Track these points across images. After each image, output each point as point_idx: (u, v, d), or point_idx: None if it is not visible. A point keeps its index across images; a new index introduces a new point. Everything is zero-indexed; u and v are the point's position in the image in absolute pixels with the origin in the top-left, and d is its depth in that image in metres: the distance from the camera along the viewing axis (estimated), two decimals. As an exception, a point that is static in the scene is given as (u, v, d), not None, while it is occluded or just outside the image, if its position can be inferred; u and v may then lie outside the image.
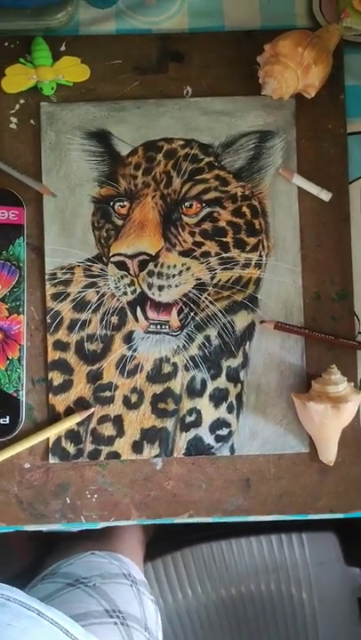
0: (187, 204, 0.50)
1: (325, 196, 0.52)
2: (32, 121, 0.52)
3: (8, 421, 0.50)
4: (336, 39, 0.50)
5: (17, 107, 0.52)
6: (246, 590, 0.89)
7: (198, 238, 0.50)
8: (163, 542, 0.86)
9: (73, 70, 0.51)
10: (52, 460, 0.50)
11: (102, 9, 0.53)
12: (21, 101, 0.52)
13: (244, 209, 0.51)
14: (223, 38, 0.52)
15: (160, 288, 0.50)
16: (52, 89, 0.50)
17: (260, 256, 0.51)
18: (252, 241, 0.51)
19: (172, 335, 0.50)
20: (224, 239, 0.51)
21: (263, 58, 0.49)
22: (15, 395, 0.50)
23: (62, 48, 0.52)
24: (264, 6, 0.53)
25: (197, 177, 0.50)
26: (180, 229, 0.50)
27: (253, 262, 0.51)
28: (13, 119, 0.52)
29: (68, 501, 0.51)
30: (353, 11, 0.50)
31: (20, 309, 0.51)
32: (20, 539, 0.77)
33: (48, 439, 0.50)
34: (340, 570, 0.91)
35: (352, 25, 0.50)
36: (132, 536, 0.74)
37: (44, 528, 0.52)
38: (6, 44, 0.51)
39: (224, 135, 0.51)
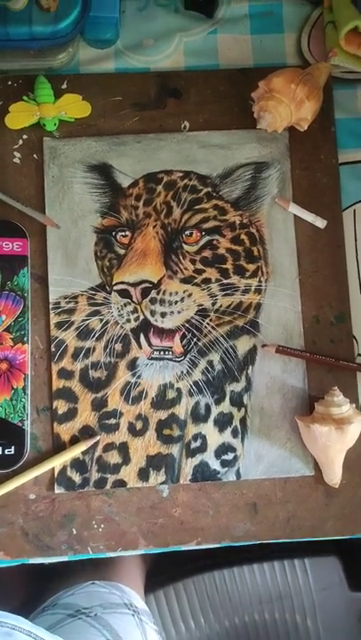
0: (187, 232, 0.51)
1: (321, 223, 0.54)
2: (35, 155, 0.53)
3: (13, 452, 0.50)
4: (325, 76, 0.52)
5: (20, 142, 0.53)
6: (250, 620, 0.87)
7: (199, 265, 0.51)
8: (163, 573, 0.85)
9: (74, 107, 0.53)
10: (58, 489, 0.49)
11: (102, 49, 0.55)
12: (25, 137, 0.53)
13: (243, 236, 0.52)
14: (218, 76, 0.55)
15: (163, 315, 0.50)
16: (55, 125, 0.52)
17: (260, 282, 0.52)
18: (251, 267, 0.52)
19: (175, 361, 0.50)
20: (224, 266, 0.52)
21: (258, 94, 0.52)
22: (20, 424, 0.50)
23: (64, 86, 0.54)
24: (256, 46, 0.56)
25: (197, 207, 0.52)
26: (180, 257, 0.51)
27: (253, 288, 0.52)
28: (17, 154, 0.53)
29: (75, 532, 0.50)
30: (340, 50, 0.53)
31: (25, 339, 0.51)
32: (16, 570, 0.75)
33: (53, 469, 0.49)
34: (343, 595, 0.89)
35: (340, 63, 0.53)
36: (132, 565, 0.73)
37: (50, 560, 0.51)
38: (10, 82, 0.53)
39: (221, 167, 0.52)
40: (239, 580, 0.86)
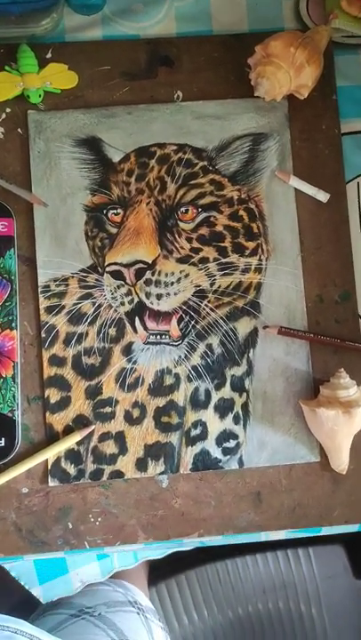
0: (182, 209, 0.49)
1: (323, 196, 0.51)
2: (19, 130, 0.50)
3: (4, 444, 0.47)
4: (326, 40, 0.49)
5: (3, 115, 0.50)
6: (254, 610, 0.86)
7: (196, 244, 0.49)
8: (165, 565, 0.83)
9: (60, 77, 0.49)
10: (52, 482, 0.47)
11: (88, 15, 0.52)
12: (8, 110, 0.50)
13: (241, 212, 0.50)
14: (212, 42, 0.52)
15: (158, 297, 0.48)
16: (40, 96, 0.49)
17: (260, 260, 0.50)
18: (250, 245, 0.50)
19: (172, 345, 0.48)
20: (222, 244, 0.49)
21: (254, 59, 0.49)
22: (10, 415, 0.48)
23: (48, 55, 0.50)
24: (251, 9, 0.53)
25: (192, 182, 0.49)
26: (176, 236, 0.49)
27: (253, 267, 0.50)
28: (0, 128, 0.50)
29: (71, 526, 0.48)
30: (341, 12, 0.50)
31: (13, 324, 0.48)
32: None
33: (47, 461, 0.47)
34: (348, 583, 0.88)
35: (341, 26, 0.50)
36: (135, 561, 0.71)
37: (46, 557, 0.49)
38: (-10, 52, 0.50)
39: (217, 139, 0.50)
40: (242, 570, 0.85)
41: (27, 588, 0.58)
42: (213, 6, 0.52)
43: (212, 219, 0.49)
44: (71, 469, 0.48)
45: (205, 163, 0.50)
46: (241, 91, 0.51)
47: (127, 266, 0.48)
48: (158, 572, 0.81)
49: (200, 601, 0.85)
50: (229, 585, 0.85)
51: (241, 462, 0.48)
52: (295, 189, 0.51)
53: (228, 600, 0.85)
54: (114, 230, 0.49)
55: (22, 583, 0.59)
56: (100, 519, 0.48)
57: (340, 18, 0.50)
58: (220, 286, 0.49)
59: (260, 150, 0.51)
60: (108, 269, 0.48)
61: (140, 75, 0.51)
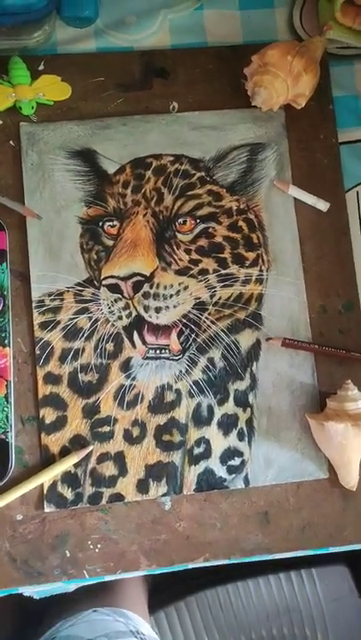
0: (180, 220, 0.48)
1: (323, 205, 0.50)
2: (12, 142, 0.49)
3: (-3, 468, 0.45)
4: (321, 51, 0.49)
5: (-5, 127, 0.49)
6: (257, 637, 0.83)
7: (195, 256, 0.48)
8: (164, 591, 0.80)
9: (53, 89, 0.49)
10: (48, 508, 0.45)
11: (81, 28, 0.51)
12: (-1, 122, 0.49)
13: (241, 223, 0.49)
14: (207, 53, 0.51)
15: (157, 310, 0.47)
16: (32, 108, 0.48)
17: (261, 271, 0.49)
18: (251, 256, 0.49)
19: (172, 360, 0.47)
20: (222, 255, 0.48)
21: (251, 69, 0.48)
22: (3, 437, 0.45)
23: (41, 67, 0.50)
24: (245, 22, 0.52)
25: (189, 192, 0.48)
26: (174, 247, 0.48)
27: (254, 278, 0.49)
28: (-8, 140, 0.49)
29: (68, 555, 0.45)
30: (336, 23, 0.50)
31: (6, 341, 0.46)
32: (7, 598, 0.69)
33: (42, 485, 0.45)
34: (354, 605, 0.85)
35: (335, 37, 0.50)
36: (134, 586, 0.68)
37: (42, 588, 0.46)
38: (-19, 64, 0.49)
39: (214, 149, 0.49)
40: (244, 595, 0.82)
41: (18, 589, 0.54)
42: (207, 19, 0.52)
43: (210, 230, 0.48)
44: (68, 493, 0.45)
45: (203, 173, 0.49)
46: (237, 102, 0.50)
47: (124, 279, 0.46)
48: (156, 598, 0.78)
49: (201, 629, 0.82)
50: (231, 611, 0.82)
51: (247, 481, 0.47)
52: (295, 199, 0.50)
53: (231, 627, 0.82)
54: (110, 242, 0.47)
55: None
56: (99, 546, 0.46)
57: (334, 29, 0.50)
58: (220, 298, 0.48)
59: (257, 160, 0.50)
60: (104, 283, 0.47)
61: (135, 86, 0.50)
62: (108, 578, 0.46)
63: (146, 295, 0.47)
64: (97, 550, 0.46)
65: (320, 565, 0.84)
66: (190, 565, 0.47)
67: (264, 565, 0.79)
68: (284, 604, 0.83)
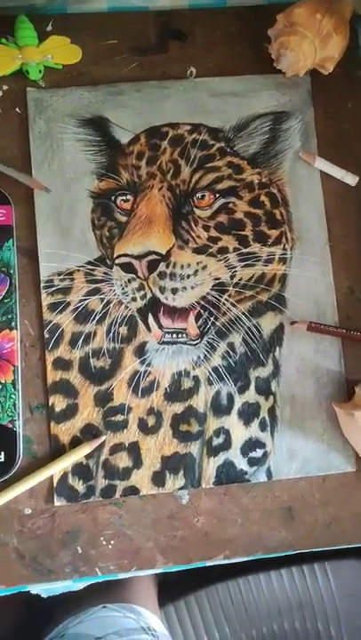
0: (198, 195, 0.45)
1: (351, 179, 0.47)
2: (18, 109, 0.45)
3: (3, 459, 0.42)
4: (350, 12, 0.46)
5: (0, 93, 0.45)
6: (269, 631, 0.81)
7: (214, 233, 0.45)
8: (174, 585, 0.78)
9: (62, 51, 0.45)
10: (58, 501, 0.43)
11: (91, -14, 0.47)
12: (5, 87, 0.46)
13: (263, 198, 0.46)
14: (227, 14, 0.48)
15: (174, 291, 0.44)
16: (40, 72, 0.45)
17: (284, 249, 0.46)
18: (273, 233, 0.46)
19: (190, 344, 0.44)
20: (243, 232, 0.45)
21: (276, 30, 0.44)
22: (11, 426, 0.42)
23: (49, 28, 0.46)
24: (268, -19, 0.49)
25: (208, 165, 0.45)
26: (192, 224, 0.45)
27: (277, 257, 0.46)
28: (-4, 107, 0.45)
29: (80, 551, 0.43)
30: (366, -20, 0.46)
31: (13, 324, 0.43)
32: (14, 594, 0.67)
33: (52, 477, 0.43)
34: (369, 600, 0.83)
35: (366, -4, 0.46)
36: (144, 581, 0.65)
37: (53, 586, 0.44)
38: (-16, 24, 0.45)
39: (235, 118, 0.46)
40: (255, 589, 0.80)
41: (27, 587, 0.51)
42: (227, -24, 0.48)
43: (230, 205, 0.45)
44: (80, 486, 0.43)
45: (223, 144, 0.46)
46: (260, 67, 0.47)
47: (139, 257, 0.44)
48: (166, 592, 0.76)
49: (211, 623, 0.80)
50: (242, 605, 0.80)
51: (269, 474, 0.44)
52: (321, 172, 0.47)
53: (242, 621, 0.80)
54: (123, 218, 0.45)
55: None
56: (112, 542, 0.43)
57: (365, -13, 0.46)
58: (241, 279, 0.45)
59: (281, 130, 0.47)
60: (117, 261, 0.44)
61: (150, 49, 0.47)
62: (121, 576, 0.44)
63: (162, 275, 0.44)
64: (110, 547, 0.43)
65: (334, 559, 0.81)
66: (209, 563, 0.44)
67: (276, 559, 0.77)
68: (297, 598, 0.81)
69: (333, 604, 0.82)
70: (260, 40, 0.47)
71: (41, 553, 0.43)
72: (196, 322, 0.44)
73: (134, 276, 0.44)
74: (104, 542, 0.43)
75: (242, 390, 0.45)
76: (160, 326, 0.44)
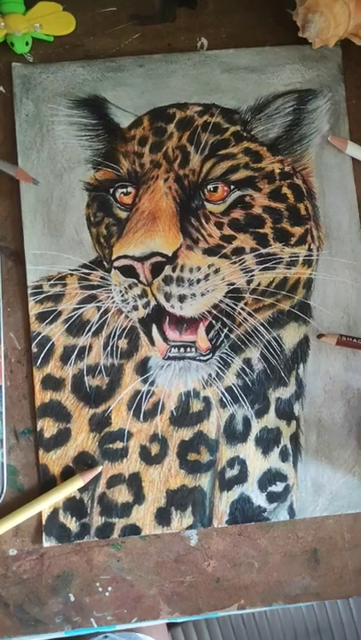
0: (210, 187, 0.41)
1: (389, 168, 0.40)
2: (1, 87, 0.41)
3: (-17, 493, 0.37)
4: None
5: (-20, 70, 0.40)
6: (284, 660, 0.76)
7: (228, 231, 0.40)
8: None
9: (53, 20, 0.40)
10: (48, 542, 0.39)
11: None
12: (-14, 63, 0.40)
13: (285, 190, 0.41)
14: (244, -25, 0.42)
15: (181, 298, 0.39)
16: (27, 44, 0.41)
17: (310, 250, 0.41)
18: (297, 231, 0.41)
19: (200, 360, 0.40)
20: (261, 230, 0.41)
21: (302, -9, 0.38)
22: (-8, 455, 0.37)
23: (37, -7, 0.40)
24: None
25: (222, 152, 0.41)
26: (203, 220, 0.40)
27: (301, 259, 0.41)
28: (-24, 86, 0.40)
29: (72, 599, 0.39)
30: None
31: (-5, 337, 0.38)
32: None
33: (40, 514, 0.39)
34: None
35: None
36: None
37: (42, 638, 0.38)
38: (-36, -10, 0.40)
39: (253, 97, 0.42)
40: (270, 612, 0.76)
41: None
42: None
43: (247, 198, 0.41)
44: (72, 524, 0.39)
45: (238, 127, 0.41)
46: (282, 36, 0.42)
47: (141, 259, 0.39)
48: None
49: (222, 648, 0.75)
50: (255, 630, 0.76)
51: (292, 512, 0.40)
52: (353, 159, 0.42)
53: (255, 647, 0.75)
54: (123, 214, 0.40)
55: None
56: (110, 589, 0.39)
57: None
58: (259, 284, 0.40)
59: (307, 111, 0.42)
60: (116, 264, 0.40)
61: (155, 18, 0.42)
62: (120, 627, 0.38)
63: (167, 280, 0.39)
64: (107, 594, 0.39)
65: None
66: (220, 614, 0.38)
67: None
68: (314, 622, 0.77)
69: (354, 629, 0.78)
70: (282, 4, 0.42)
71: (27, 600, 0.38)
72: (207, 334, 0.40)
73: (136, 280, 0.39)
74: (100, 589, 0.39)
75: (260, 414, 0.40)
76: (165, 339, 0.40)
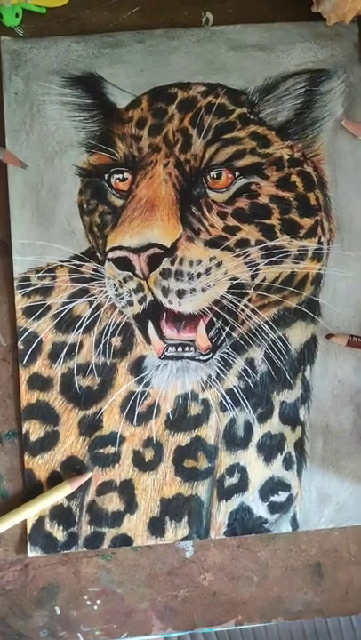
0: (213, 173, 0.38)
1: None
2: (-11, 63, 0.38)
3: (-36, 500, 0.35)
4: None
5: (-33, 44, 0.38)
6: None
7: (231, 221, 0.38)
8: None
9: None
10: (33, 552, 0.37)
11: None
12: (-27, 36, 0.38)
13: (294, 178, 0.39)
14: None
15: (180, 293, 0.37)
16: (17, 16, 0.38)
17: (320, 243, 0.39)
18: (307, 222, 0.39)
19: (199, 360, 0.38)
20: (268, 221, 0.39)
21: None
22: (-26, 459, 0.35)
23: None
24: None
25: (227, 136, 0.38)
26: (205, 210, 0.38)
27: (310, 252, 0.39)
28: None
29: (58, 612, 0.37)
30: None
31: (-21, 332, 0.35)
32: None
33: (25, 522, 0.37)
34: None
35: None
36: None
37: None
38: None
39: (261, 77, 0.39)
40: (268, 631, 0.73)
41: None
42: None
43: (253, 186, 0.38)
44: (59, 534, 0.37)
45: (245, 109, 0.39)
46: (293, 12, 0.39)
47: (137, 251, 0.37)
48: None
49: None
50: (251, 634, 0.75)
51: (295, 523, 0.38)
52: None
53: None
54: (119, 202, 0.38)
55: None
56: (98, 602, 0.37)
57: None
58: (264, 279, 0.38)
59: (319, 93, 0.40)
60: (110, 256, 0.37)
61: None
62: (109, 643, 0.36)
63: (165, 273, 0.37)
64: (96, 607, 0.37)
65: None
66: (217, 629, 0.36)
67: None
68: (312, 626, 0.76)
69: (352, 633, 0.76)
70: None
71: (11, 613, 0.37)
72: (208, 332, 0.38)
73: (131, 274, 0.37)
74: (88, 602, 0.37)
75: (263, 418, 0.38)
76: (162, 337, 0.38)
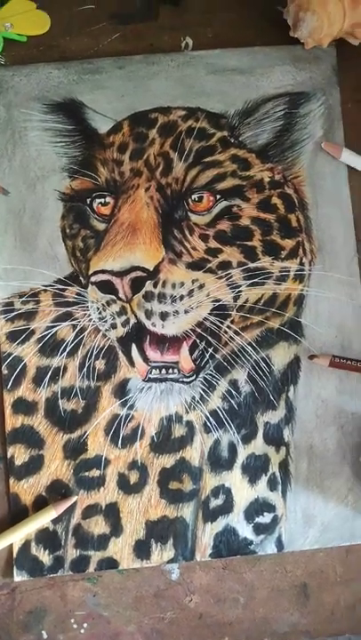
0: (195, 196, 0.39)
1: (386, 176, 0.38)
2: (-29, 91, 0.38)
3: None
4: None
5: None
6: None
7: (213, 244, 0.38)
8: None
9: (26, 18, 0.39)
10: (19, 576, 0.37)
11: None
12: None
13: (275, 200, 0.39)
14: (232, -29, 0.39)
15: (163, 316, 0.37)
16: None
17: (302, 264, 0.39)
18: (288, 244, 0.39)
19: (183, 382, 0.38)
20: (249, 243, 0.39)
21: (293, -13, 0.36)
22: None
23: (10, -10, 0.38)
24: None
25: (207, 159, 0.39)
26: (186, 232, 0.38)
27: (292, 273, 0.39)
28: None
29: (45, 636, 0.37)
30: None
31: None
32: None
33: (11, 546, 0.37)
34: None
35: None
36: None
37: None
38: None
39: (241, 100, 0.40)
40: None
41: None
42: None
43: (235, 209, 0.39)
44: (45, 557, 0.37)
45: (225, 133, 0.39)
46: (272, 36, 0.40)
47: (120, 274, 0.37)
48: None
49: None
50: None
51: (280, 544, 0.38)
52: (348, 167, 0.40)
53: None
54: (101, 226, 0.38)
55: None
56: (85, 625, 0.37)
57: None
58: (247, 300, 0.38)
59: (298, 115, 0.40)
60: (93, 279, 0.38)
61: (136, 16, 0.40)
62: (96, 666, 0.36)
63: (148, 296, 0.37)
64: (82, 631, 0.37)
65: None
66: (204, 652, 0.36)
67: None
68: None
69: None
70: (272, 2, 0.40)
71: None
72: (191, 354, 0.38)
73: (114, 297, 0.38)
74: (75, 625, 0.37)
75: (247, 439, 0.38)
76: (146, 359, 0.38)
